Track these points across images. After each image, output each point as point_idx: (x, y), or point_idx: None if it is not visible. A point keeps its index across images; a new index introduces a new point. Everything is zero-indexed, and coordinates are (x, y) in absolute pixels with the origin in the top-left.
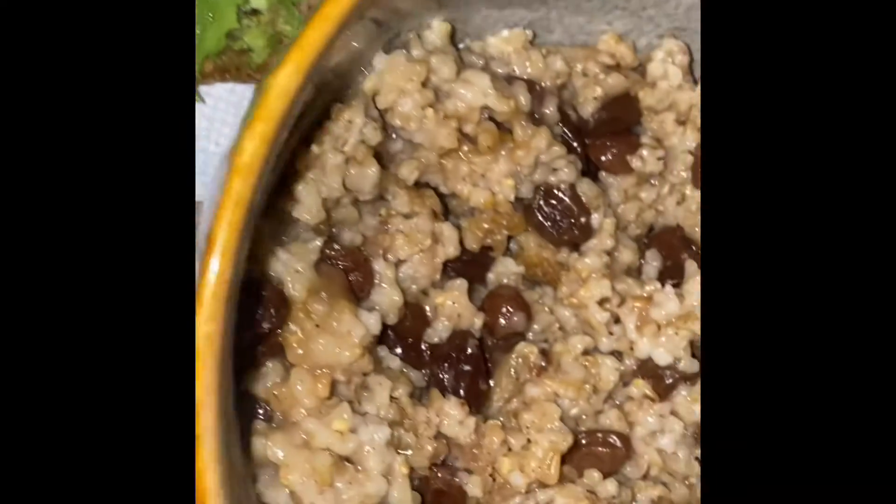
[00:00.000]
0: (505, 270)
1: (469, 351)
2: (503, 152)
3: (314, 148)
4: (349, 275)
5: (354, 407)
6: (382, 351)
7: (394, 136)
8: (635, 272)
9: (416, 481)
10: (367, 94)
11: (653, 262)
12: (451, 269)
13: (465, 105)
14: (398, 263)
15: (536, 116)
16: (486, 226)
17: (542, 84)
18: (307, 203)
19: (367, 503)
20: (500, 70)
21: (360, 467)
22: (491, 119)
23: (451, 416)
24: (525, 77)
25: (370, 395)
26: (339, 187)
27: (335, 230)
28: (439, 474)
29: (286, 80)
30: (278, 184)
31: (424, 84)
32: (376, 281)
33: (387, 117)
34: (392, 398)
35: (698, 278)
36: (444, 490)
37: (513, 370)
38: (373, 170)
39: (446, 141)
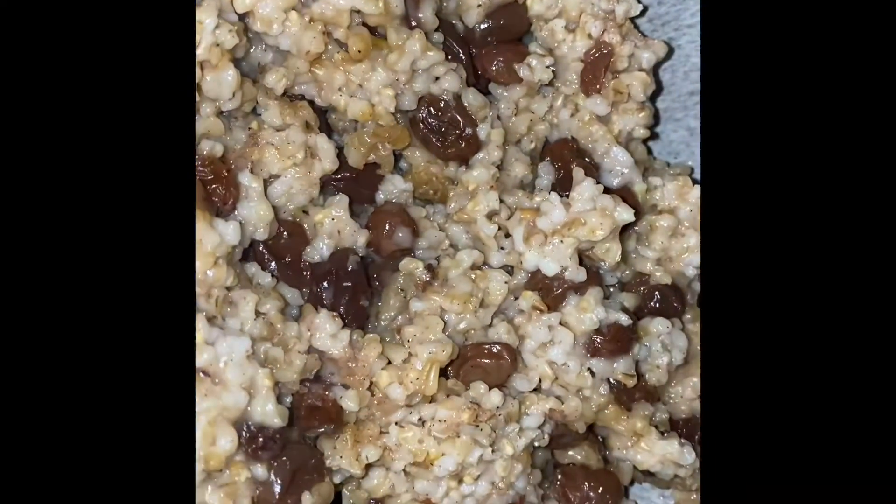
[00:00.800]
0: (394, 189)
1: (350, 268)
2: (379, 60)
3: None
4: (208, 186)
5: (216, 322)
6: (253, 268)
7: (263, 47)
8: (529, 186)
9: (288, 398)
10: None
11: (546, 175)
12: (335, 187)
13: (332, 7)
14: (271, 179)
15: (413, 23)
16: (368, 140)
17: None
18: None
19: (226, 415)
20: None
21: (217, 380)
22: (364, 25)
23: (323, 329)
24: None
25: (234, 310)
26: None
27: (196, 143)
28: (312, 389)
29: None
30: None
31: None
32: (242, 194)
33: (249, 23)
34: (259, 313)
35: (585, 184)
36: (318, 405)
37: (400, 288)
38: (230, 73)
39: (312, 45)
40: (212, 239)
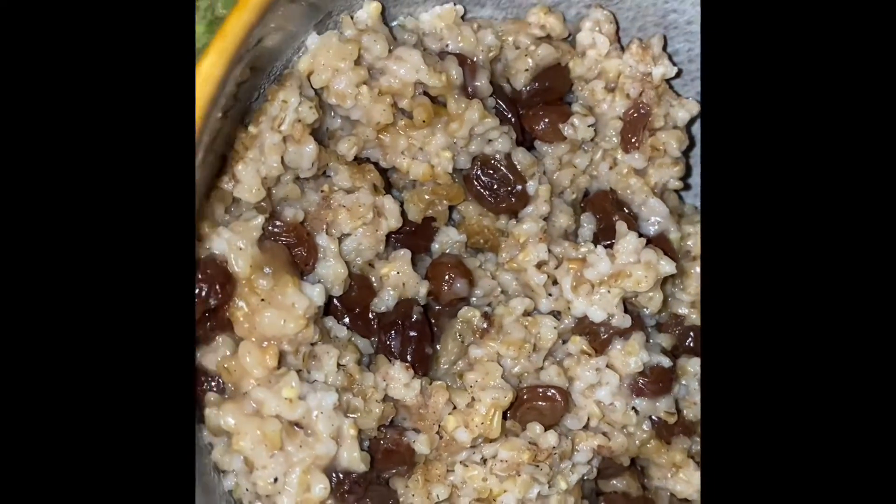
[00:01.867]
0: (448, 240)
1: (414, 318)
2: (439, 125)
3: (251, 129)
4: (293, 250)
5: (303, 375)
6: (330, 321)
7: (332, 114)
8: (572, 235)
9: (366, 442)
10: (302, 75)
11: (588, 225)
12: (396, 240)
13: (398, 81)
14: (342, 237)
15: (469, 90)
16: (427, 197)
17: (474, 58)
18: (247, 182)
19: (318, 464)
20: (433, 46)
21: (309, 431)
22: (425, 94)
23: (398, 379)
24: (457, 52)
25: (318, 364)
26: (278, 166)
27: (278, 207)
28: (388, 434)
29: (209, 67)
30: (220, 165)
31: (357, 62)
32: (320, 255)
33: (323, 96)
34: (340, 365)
35: (629, 237)
36: (393, 449)
37: (458, 334)
38: (310, 147)
39: (382, 116)
40: (302, 303)
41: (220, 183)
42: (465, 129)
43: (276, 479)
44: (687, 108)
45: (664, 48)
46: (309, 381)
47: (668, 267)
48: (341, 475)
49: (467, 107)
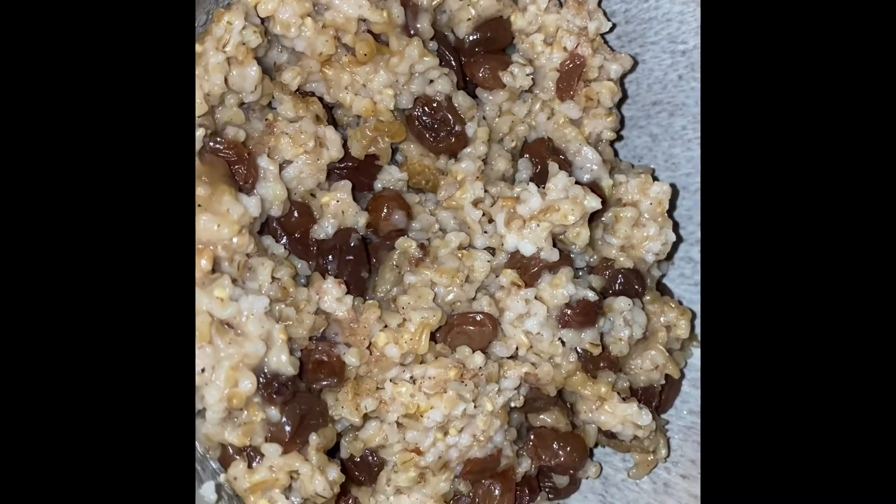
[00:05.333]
0: (390, 178)
1: (352, 244)
2: (381, 63)
3: (197, 46)
4: (232, 166)
5: (237, 283)
6: (268, 240)
7: (280, 48)
8: (510, 179)
9: (297, 351)
10: (249, 4)
11: (524, 170)
12: (339, 174)
13: (342, 16)
14: (284, 163)
15: (411, 31)
16: (369, 133)
17: (417, 1)
18: None
19: (246, 362)
20: None
21: (240, 331)
22: (369, 32)
23: (330, 293)
24: None
25: (253, 275)
26: (220, 84)
27: (219, 128)
28: (319, 346)
29: None
30: None
31: None
32: (261, 175)
33: (269, 27)
34: (274, 278)
35: (559, 176)
36: (324, 360)
37: (395, 264)
38: (254, 70)
39: (325, 47)
40: (237, 210)
41: None
42: (406, 65)
43: (203, 370)
44: (620, 61)
45: (599, 4)
46: (243, 288)
47: (593, 202)
48: (269, 376)
49: (408, 44)
